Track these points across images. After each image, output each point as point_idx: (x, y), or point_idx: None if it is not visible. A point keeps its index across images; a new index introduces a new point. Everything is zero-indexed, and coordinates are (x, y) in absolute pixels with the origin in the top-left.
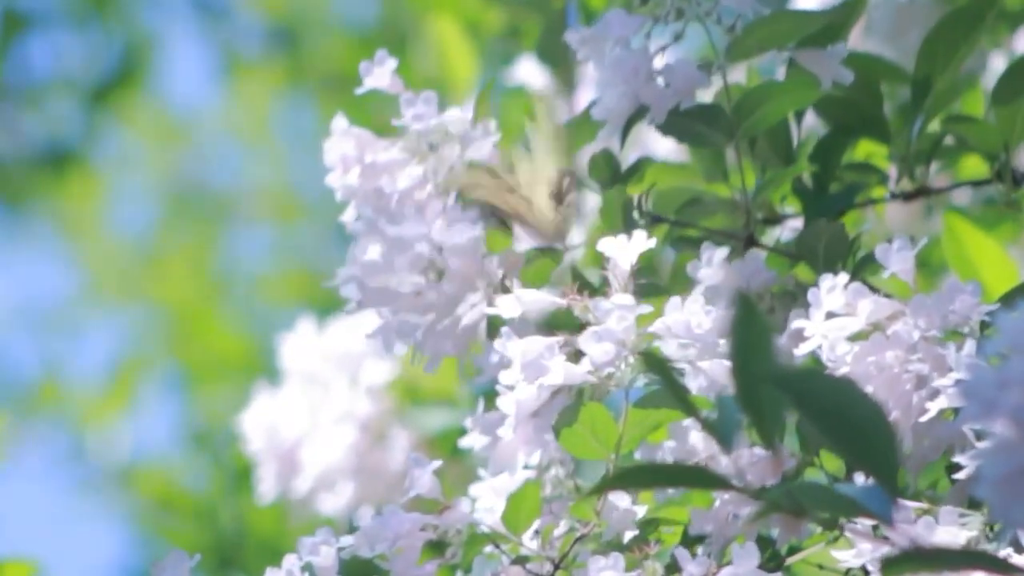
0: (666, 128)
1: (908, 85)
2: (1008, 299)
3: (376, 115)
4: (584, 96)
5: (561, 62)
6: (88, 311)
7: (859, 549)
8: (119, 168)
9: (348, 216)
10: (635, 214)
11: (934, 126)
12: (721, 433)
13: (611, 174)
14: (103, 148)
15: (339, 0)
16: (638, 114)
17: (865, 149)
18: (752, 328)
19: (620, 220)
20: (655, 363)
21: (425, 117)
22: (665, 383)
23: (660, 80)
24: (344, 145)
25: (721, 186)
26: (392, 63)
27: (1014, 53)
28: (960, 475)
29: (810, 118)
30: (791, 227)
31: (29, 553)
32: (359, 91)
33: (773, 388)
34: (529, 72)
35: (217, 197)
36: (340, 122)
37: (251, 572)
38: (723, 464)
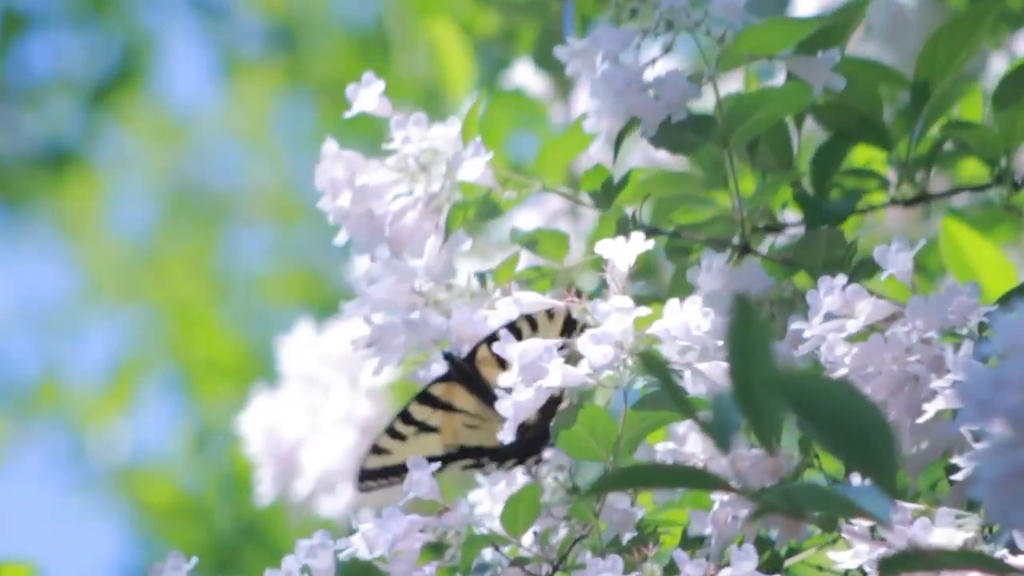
0: (658, 140)
1: (907, 89)
2: (1005, 300)
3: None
4: (581, 99)
5: (557, 67)
6: (88, 311)
7: (856, 550)
8: (119, 168)
9: (341, 239)
10: (630, 226)
11: (933, 130)
12: (718, 434)
13: (603, 186)
14: (103, 148)
15: (338, 1)
16: (630, 126)
17: (865, 154)
18: (750, 331)
19: (614, 235)
20: (653, 365)
21: (415, 140)
22: (663, 385)
23: (651, 92)
24: (334, 169)
25: (721, 193)
26: (379, 85)
27: (1014, 54)
28: (958, 476)
29: (811, 122)
30: (790, 234)
31: (28, 553)
32: (347, 115)
33: (771, 391)
34: (524, 76)
35: (217, 197)
36: (330, 145)
37: (249, 573)
38: (722, 466)
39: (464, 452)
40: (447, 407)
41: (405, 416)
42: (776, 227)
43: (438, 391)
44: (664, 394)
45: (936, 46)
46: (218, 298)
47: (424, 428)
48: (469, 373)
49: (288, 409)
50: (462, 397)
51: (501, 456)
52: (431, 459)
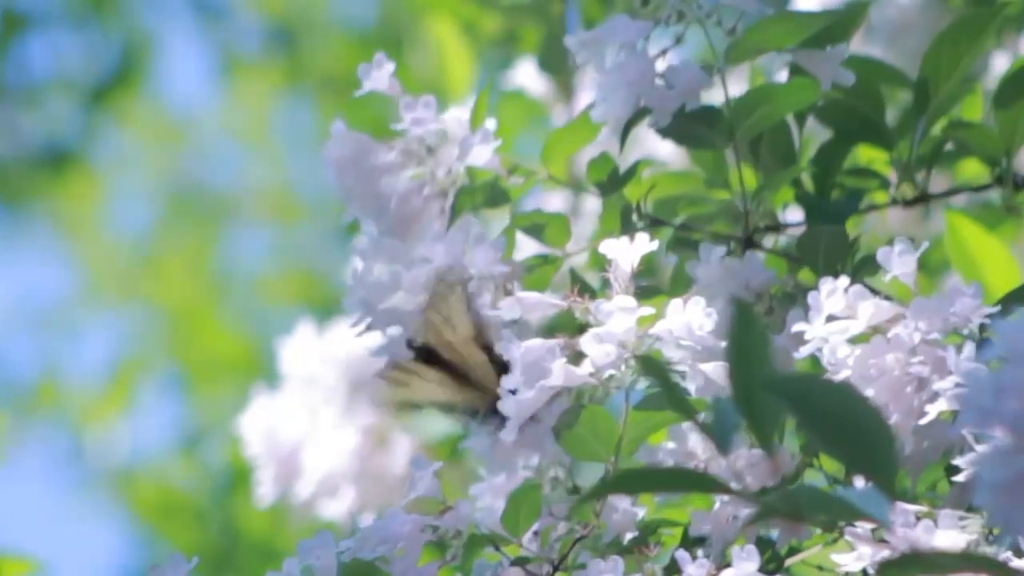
0: (666, 131)
1: (909, 90)
2: (1006, 303)
3: (378, 114)
4: (583, 101)
5: (561, 70)
6: (87, 311)
7: (859, 552)
8: (118, 168)
9: (346, 217)
10: (634, 217)
11: (934, 130)
12: (718, 436)
13: (609, 177)
14: (102, 148)
15: (338, 1)
16: (637, 116)
17: (866, 154)
18: (749, 333)
19: (619, 225)
20: (652, 367)
21: (425, 122)
22: (662, 386)
23: (662, 82)
24: (342, 148)
25: (723, 192)
26: (390, 66)
27: (1019, 54)
28: (959, 478)
29: (812, 121)
30: (791, 234)
31: (28, 552)
32: (358, 93)
33: (770, 392)
34: (526, 76)
35: (216, 197)
36: (339, 126)
37: (245, 574)
38: (723, 466)
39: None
40: (414, 373)
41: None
42: (778, 227)
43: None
44: (664, 395)
45: (940, 48)
46: (218, 298)
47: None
48: (433, 353)
49: (288, 411)
50: (427, 372)
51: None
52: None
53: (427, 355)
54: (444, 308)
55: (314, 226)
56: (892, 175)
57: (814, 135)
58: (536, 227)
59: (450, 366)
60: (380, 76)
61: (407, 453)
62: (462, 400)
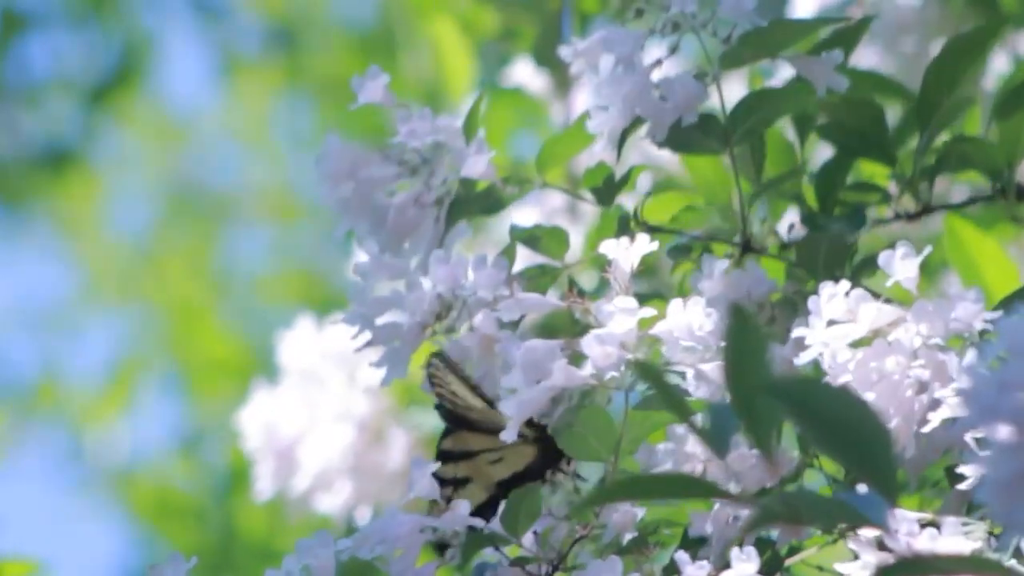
0: (664, 141)
1: (909, 101)
2: (1008, 303)
3: (379, 113)
4: (579, 97)
5: (557, 65)
6: (87, 311)
7: (864, 562)
8: (118, 168)
9: (340, 231)
10: (631, 224)
11: (935, 143)
12: (714, 439)
13: (605, 183)
14: (102, 148)
15: (338, 1)
16: (633, 125)
17: (868, 167)
18: (747, 337)
19: (616, 233)
20: (648, 371)
21: (420, 133)
22: (659, 389)
23: (657, 95)
24: (337, 161)
25: (724, 208)
26: (384, 78)
27: (1017, 52)
28: (963, 486)
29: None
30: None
31: (28, 552)
32: (353, 107)
33: (768, 396)
34: (525, 73)
35: (216, 197)
36: (332, 139)
37: (243, 574)
38: (722, 466)
39: (504, 486)
40: (467, 455)
41: (442, 482)
42: (783, 246)
43: (449, 445)
44: (661, 397)
45: (942, 66)
46: (218, 298)
47: (459, 483)
48: (464, 415)
49: (287, 405)
50: (473, 439)
51: (538, 472)
52: (482, 510)
53: (456, 420)
54: (447, 389)
55: (314, 226)
56: (893, 187)
57: (816, 145)
58: (534, 238)
59: (483, 426)
60: (375, 87)
61: (403, 448)
62: (532, 462)
